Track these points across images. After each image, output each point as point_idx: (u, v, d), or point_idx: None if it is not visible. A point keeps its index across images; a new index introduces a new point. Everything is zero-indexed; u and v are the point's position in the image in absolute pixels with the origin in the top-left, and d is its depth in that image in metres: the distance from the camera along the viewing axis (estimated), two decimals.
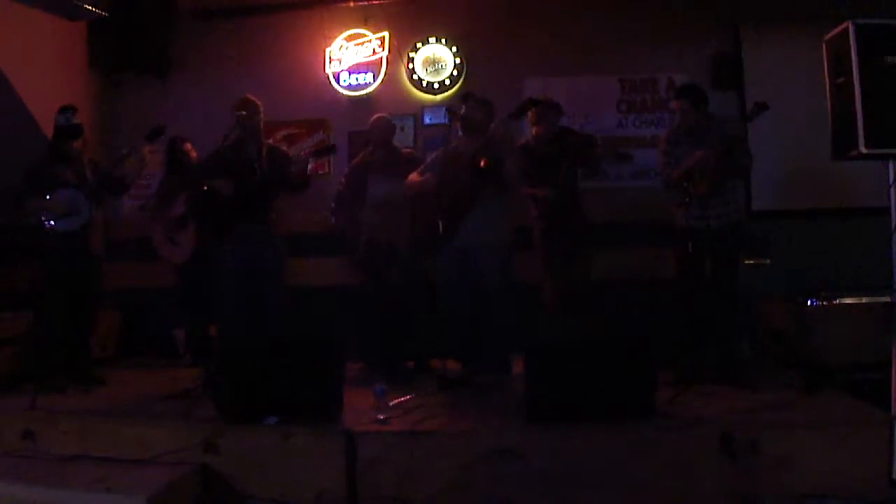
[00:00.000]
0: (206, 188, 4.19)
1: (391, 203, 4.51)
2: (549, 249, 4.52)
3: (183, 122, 5.39)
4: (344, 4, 5.88)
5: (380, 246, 4.60)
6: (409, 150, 5.12)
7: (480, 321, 4.17)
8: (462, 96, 4.50)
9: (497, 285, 4.12)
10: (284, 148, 4.70)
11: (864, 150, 3.03)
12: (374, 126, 4.76)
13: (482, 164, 3.98)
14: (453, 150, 4.25)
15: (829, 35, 3.25)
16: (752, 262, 4.77)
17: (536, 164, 4.44)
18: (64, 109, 4.26)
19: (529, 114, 4.45)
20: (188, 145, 5.03)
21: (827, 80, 3.29)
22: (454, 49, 5.82)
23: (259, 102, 4.34)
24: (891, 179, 3.16)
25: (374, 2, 5.85)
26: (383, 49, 5.81)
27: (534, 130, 4.59)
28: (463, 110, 4.23)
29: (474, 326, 4.19)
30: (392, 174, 4.51)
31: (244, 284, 4.24)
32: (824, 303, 4.28)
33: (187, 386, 3.95)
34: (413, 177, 4.31)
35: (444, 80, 5.83)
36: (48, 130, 4.41)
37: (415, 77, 5.86)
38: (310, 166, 4.41)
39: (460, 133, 4.26)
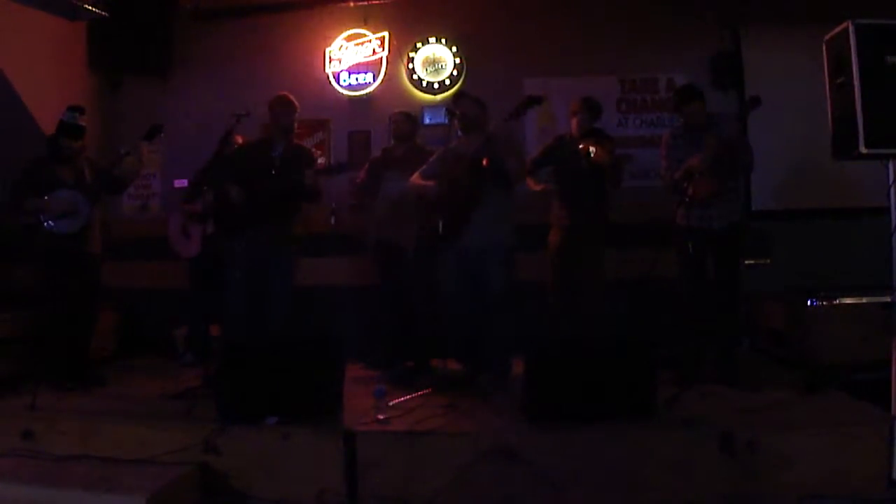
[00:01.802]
0: (222, 187, 4.18)
1: (404, 202, 4.46)
2: (563, 247, 4.49)
3: (183, 122, 5.40)
4: (344, 4, 5.88)
5: (388, 245, 4.59)
6: (433, 149, 5.04)
7: (482, 321, 4.17)
8: (455, 96, 4.50)
9: (499, 286, 4.12)
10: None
11: (864, 150, 3.03)
12: (393, 121, 4.72)
13: (484, 163, 3.98)
14: (454, 151, 4.25)
15: (829, 35, 3.25)
16: (752, 262, 4.77)
17: (566, 157, 4.42)
18: (73, 108, 4.26)
19: (571, 107, 4.47)
20: (239, 138, 4.95)
21: (827, 80, 3.29)
22: (454, 49, 5.82)
23: (296, 102, 4.33)
24: (891, 179, 3.16)
25: (374, 2, 5.85)
26: (383, 49, 5.81)
27: (573, 123, 4.53)
28: (459, 110, 4.23)
29: (476, 326, 4.19)
30: (409, 172, 4.39)
31: (251, 285, 4.21)
32: (824, 303, 4.28)
33: (187, 386, 3.95)
34: (415, 178, 4.31)
35: (444, 80, 5.83)
36: (48, 130, 4.41)
37: (415, 77, 5.86)
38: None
39: (459, 133, 4.27)
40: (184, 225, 5.01)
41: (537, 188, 4.53)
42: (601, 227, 4.45)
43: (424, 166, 4.33)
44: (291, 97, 4.35)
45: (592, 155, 4.20)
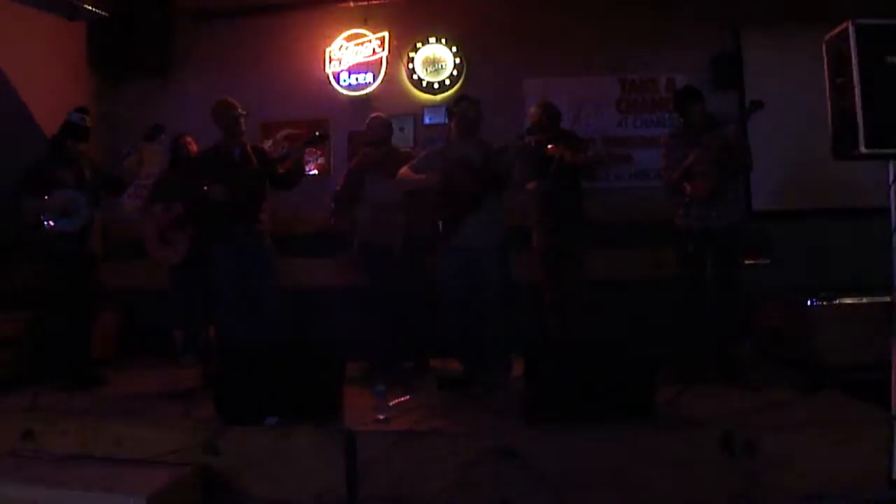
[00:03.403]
0: (204, 190, 4.19)
1: (387, 203, 4.52)
2: (548, 249, 4.53)
3: (183, 121, 5.38)
4: (344, 4, 5.88)
5: (374, 247, 4.61)
6: (408, 150, 5.10)
7: (482, 321, 4.18)
8: (456, 98, 4.54)
9: (498, 285, 4.13)
10: (268, 147, 4.70)
11: (864, 150, 3.03)
12: (370, 126, 4.77)
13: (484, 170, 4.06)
14: (450, 151, 4.26)
15: (829, 35, 3.25)
16: (752, 262, 4.77)
17: (535, 163, 4.45)
18: (79, 109, 4.28)
19: (532, 115, 4.54)
20: (188, 138, 5.00)
21: (827, 80, 3.29)
22: (454, 49, 5.82)
23: (237, 102, 4.34)
24: (891, 179, 3.16)
25: (374, 2, 5.85)
26: (383, 49, 5.81)
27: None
28: (458, 112, 4.27)
29: (475, 326, 4.19)
30: (390, 174, 4.49)
31: (239, 285, 4.24)
32: (824, 303, 4.28)
33: (187, 386, 3.95)
34: (405, 171, 4.30)
35: (444, 80, 5.83)
36: (48, 130, 4.41)
37: (415, 77, 5.86)
38: (308, 167, 4.39)
39: (455, 133, 4.31)
40: (160, 231, 4.96)
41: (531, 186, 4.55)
42: (580, 226, 4.49)
43: (414, 162, 4.35)
44: (231, 99, 4.34)
45: (565, 158, 4.25)
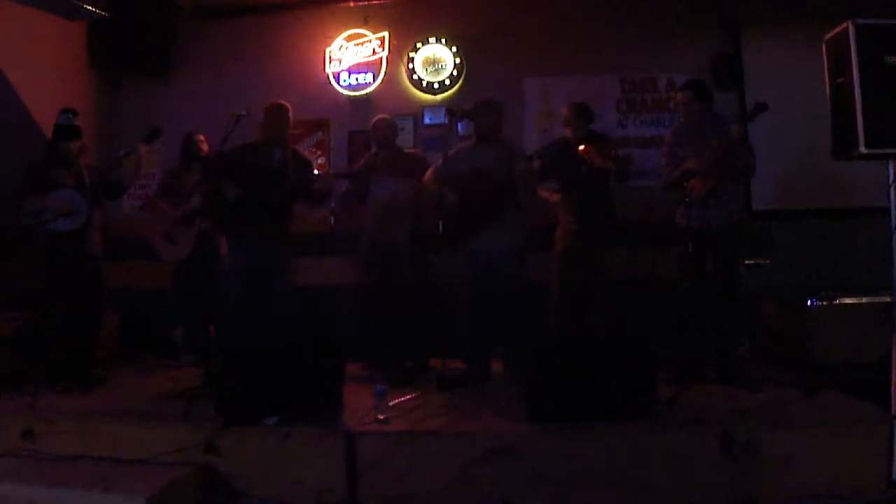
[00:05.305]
0: (216, 184, 4.21)
1: (394, 204, 4.53)
2: (569, 249, 4.50)
3: (183, 122, 5.39)
4: (344, 4, 5.89)
5: (381, 246, 4.62)
6: (412, 150, 5.11)
7: (492, 322, 4.21)
8: (479, 105, 4.47)
9: (515, 286, 4.18)
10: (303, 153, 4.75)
11: (864, 150, 3.04)
12: (375, 127, 4.77)
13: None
14: (470, 158, 4.28)
15: (829, 35, 3.25)
16: (752, 261, 4.77)
17: (567, 164, 4.43)
18: (65, 110, 4.29)
19: (564, 115, 4.52)
20: (200, 137, 4.98)
21: (827, 80, 3.30)
22: (454, 49, 5.82)
23: (290, 107, 4.42)
24: (891, 179, 3.16)
25: (374, 2, 5.85)
26: (383, 49, 5.81)
27: (567, 132, 4.54)
28: (482, 119, 4.31)
29: (487, 327, 4.22)
30: (395, 175, 4.51)
31: (249, 285, 4.24)
32: (824, 303, 4.28)
33: (187, 386, 3.95)
34: (430, 176, 4.35)
35: (444, 80, 5.83)
36: (48, 131, 4.42)
37: (415, 77, 5.86)
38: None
39: (460, 130, 4.33)
40: (166, 229, 4.93)
41: (554, 199, 4.54)
42: (607, 228, 4.46)
43: (439, 166, 4.33)
44: (286, 104, 4.41)
45: (592, 162, 4.22)
